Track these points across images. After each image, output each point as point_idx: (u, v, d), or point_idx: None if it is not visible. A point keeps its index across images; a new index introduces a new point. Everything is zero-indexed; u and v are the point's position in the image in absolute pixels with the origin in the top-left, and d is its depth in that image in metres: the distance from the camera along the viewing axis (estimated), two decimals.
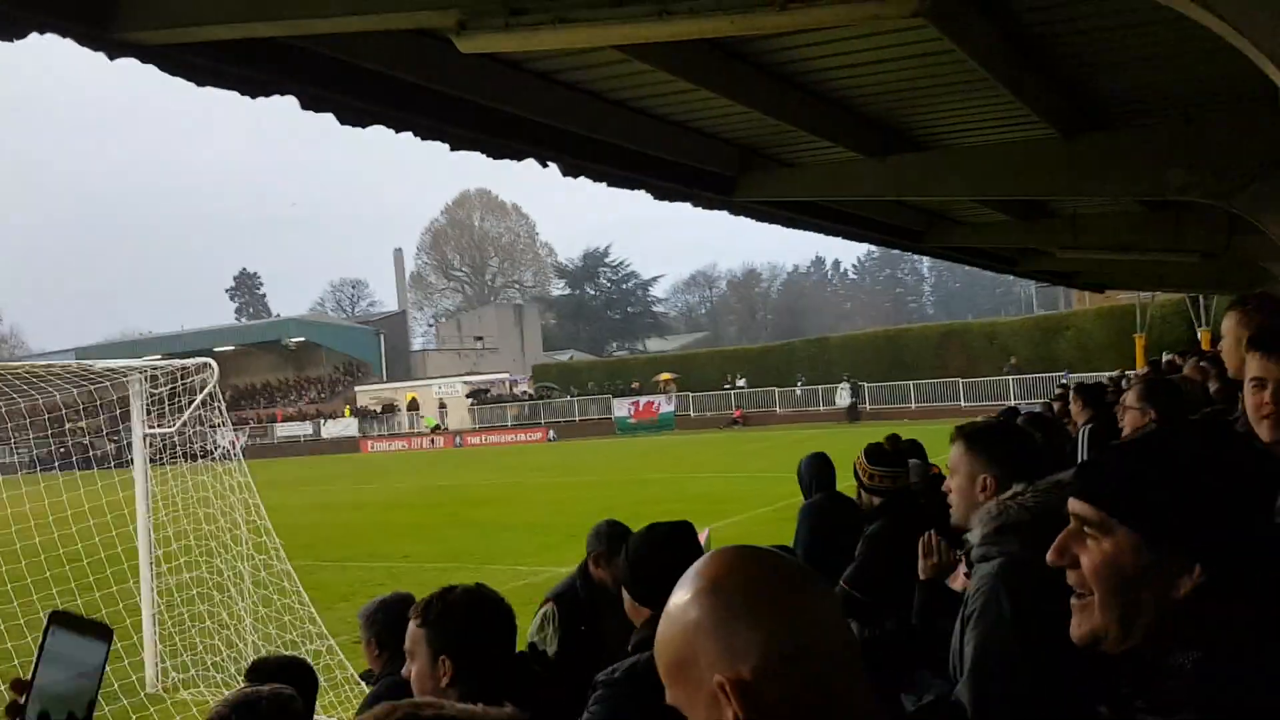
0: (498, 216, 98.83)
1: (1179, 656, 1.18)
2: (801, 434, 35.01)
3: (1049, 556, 1.30)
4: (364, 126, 5.02)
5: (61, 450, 10.82)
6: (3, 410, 9.34)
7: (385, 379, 62.46)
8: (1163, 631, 1.21)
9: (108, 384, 9.34)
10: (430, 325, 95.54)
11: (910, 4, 2.99)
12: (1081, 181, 6.50)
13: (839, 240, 10.41)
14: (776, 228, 9.46)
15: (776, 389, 46.63)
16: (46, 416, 9.92)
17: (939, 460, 6.94)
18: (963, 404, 39.43)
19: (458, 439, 49.30)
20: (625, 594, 2.66)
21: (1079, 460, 6.49)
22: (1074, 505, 1.29)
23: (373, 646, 3.68)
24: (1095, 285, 20.68)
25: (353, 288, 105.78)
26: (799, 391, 46.18)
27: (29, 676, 1.15)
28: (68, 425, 10.88)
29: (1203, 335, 26.98)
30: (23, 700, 1.13)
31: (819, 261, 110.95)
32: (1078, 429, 7.16)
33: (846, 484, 5.64)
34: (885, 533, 4.66)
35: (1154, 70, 5.34)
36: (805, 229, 10.00)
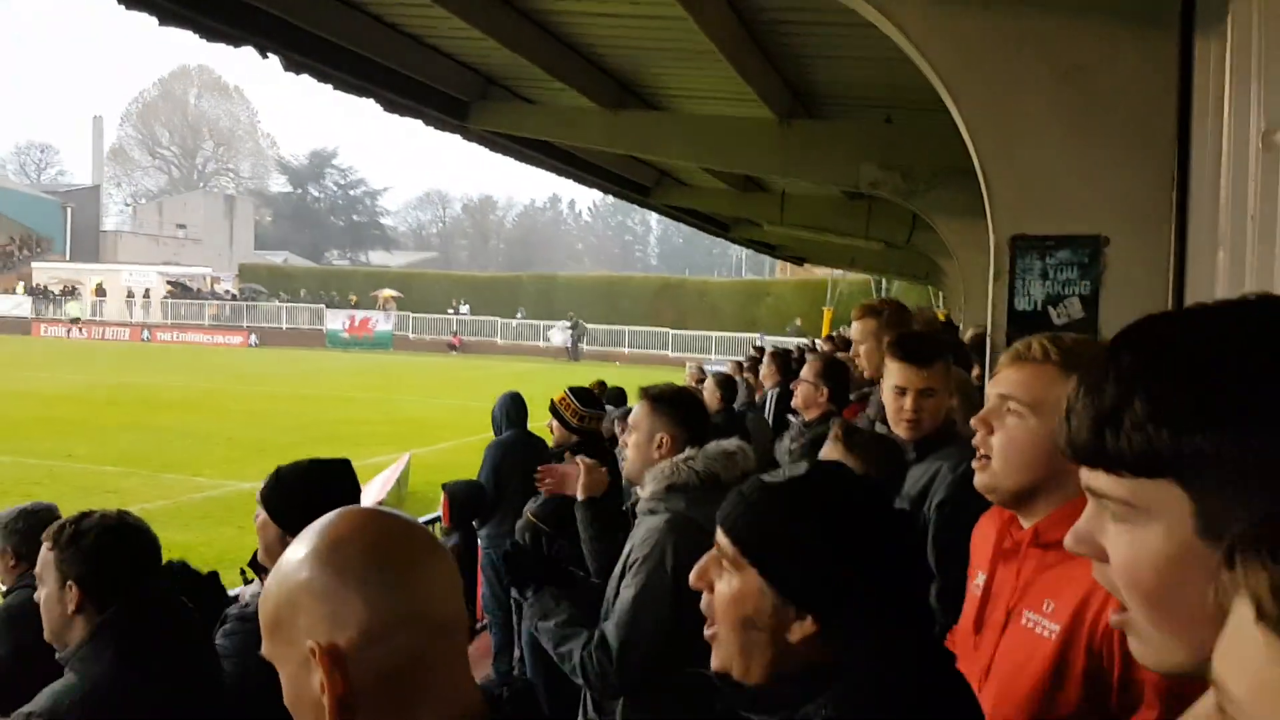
0: (217, 97, 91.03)
1: (812, 710, 1.20)
2: (520, 366, 35.31)
3: (691, 578, 1.33)
4: None
5: None
6: None
7: (69, 258, 56.36)
8: (781, 674, 1.25)
9: None
10: (127, 205, 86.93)
11: None
12: (790, 164, 6.96)
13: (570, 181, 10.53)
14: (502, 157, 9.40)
15: (499, 319, 46.68)
16: None
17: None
18: (670, 353, 41.33)
19: (145, 333, 45.49)
20: (268, 526, 2.54)
21: (768, 417, 7.05)
22: (718, 535, 1.32)
23: (7, 556, 3.40)
24: (795, 258, 22.24)
25: (40, 152, 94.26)
26: (515, 324, 46.49)
27: None
28: None
29: (827, 314, 29.73)
30: None
31: (555, 199, 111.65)
32: (765, 391, 7.78)
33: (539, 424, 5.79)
34: None
35: (862, 70, 5.78)
36: (537, 166, 10.03)
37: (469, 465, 5.56)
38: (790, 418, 5.11)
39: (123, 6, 5.01)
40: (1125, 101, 2.94)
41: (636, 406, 2.89)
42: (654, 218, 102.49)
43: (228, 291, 52.11)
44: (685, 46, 5.55)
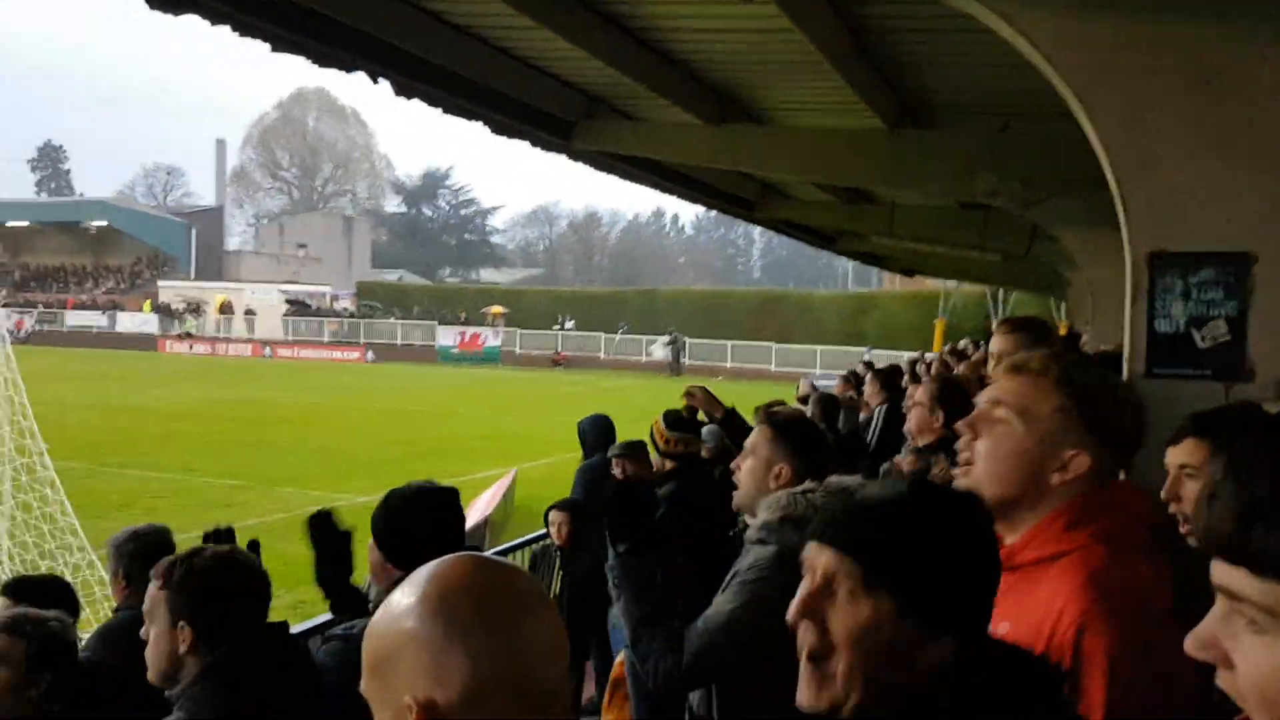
0: (335, 120, 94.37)
1: None
2: (621, 382, 35.47)
3: (791, 612, 1.22)
4: (177, 14, 4.63)
5: None
6: None
7: (193, 277, 59.03)
8: (912, 705, 1.15)
9: None
10: (250, 226, 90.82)
11: None
12: (899, 174, 6.74)
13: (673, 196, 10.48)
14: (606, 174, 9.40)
15: (602, 334, 47.01)
16: None
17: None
18: (773, 368, 40.91)
19: (267, 349, 47.27)
20: (373, 550, 2.60)
21: (872, 437, 6.82)
22: (826, 558, 1.21)
23: (118, 578, 3.46)
24: (905, 269, 21.72)
25: (167, 174, 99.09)
26: (617, 339, 46.73)
27: None
28: None
29: (939, 326, 28.76)
30: None
31: (659, 213, 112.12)
32: (871, 409, 7.54)
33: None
34: (675, 495, 4.76)
35: (977, 76, 5.56)
36: (641, 184, 10.00)
37: (570, 481, 5.52)
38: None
39: (237, 34, 5.15)
40: (1271, 110, 2.71)
41: (755, 431, 2.78)
42: (757, 230, 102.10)
43: (345, 309, 53.79)
44: (790, 58, 5.42)
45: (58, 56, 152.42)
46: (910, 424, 4.30)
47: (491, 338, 47.18)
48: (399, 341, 48.22)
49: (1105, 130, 2.80)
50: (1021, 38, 2.88)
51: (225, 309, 51.75)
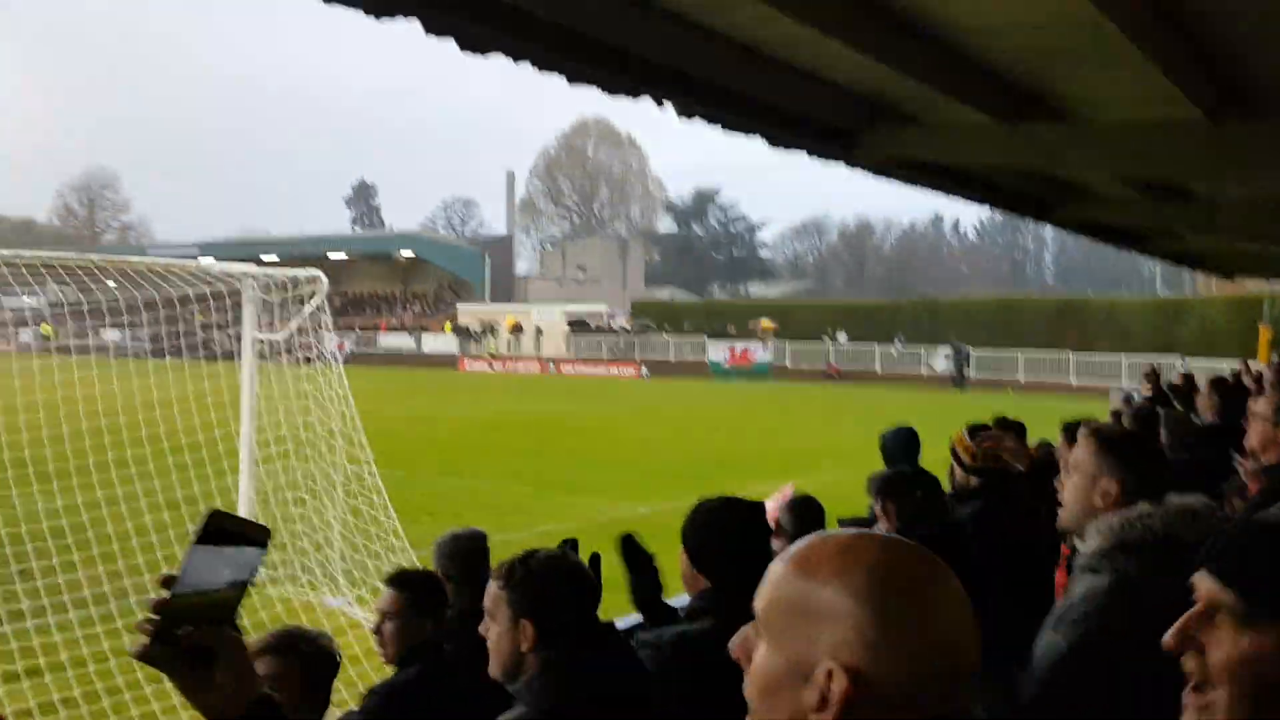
0: (612, 147, 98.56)
1: None
2: (900, 395, 34.44)
3: (1166, 640, 1.16)
4: (484, 54, 4.98)
5: (179, 340, 11.32)
6: (127, 301, 9.80)
7: (488, 300, 63.49)
8: None
9: (222, 285, 9.67)
10: (535, 251, 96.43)
11: None
12: (1225, 168, 6.09)
13: (961, 200, 10.04)
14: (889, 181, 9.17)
15: (877, 346, 45.83)
16: (163, 313, 10.34)
17: (1042, 437, 6.74)
18: (1072, 380, 38.25)
19: (552, 367, 49.96)
20: (684, 560, 2.72)
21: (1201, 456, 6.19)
22: (1208, 586, 1.14)
23: (441, 579, 3.76)
24: (1225, 271, 19.61)
25: (464, 207, 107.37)
26: (895, 353, 45.34)
27: (178, 573, 1.14)
28: (196, 320, 11.33)
29: (1263, 334, 25.40)
30: (169, 596, 1.12)
31: (937, 220, 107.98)
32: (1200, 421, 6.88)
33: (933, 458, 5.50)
34: (983, 514, 4.57)
35: None
36: (925, 188, 9.67)
37: (850, 497, 5.39)
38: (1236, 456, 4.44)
39: (536, 69, 5.49)
40: None
41: (1080, 445, 2.60)
42: (1048, 232, 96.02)
43: (621, 327, 55.89)
44: (1094, 48, 5.04)
45: (367, 99, 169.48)
46: (1252, 439, 3.88)
47: (762, 352, 47.28)
48: (671, 358, 49.43)
49: None
50: None
51: (515, 329, 55.22)
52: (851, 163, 8.15)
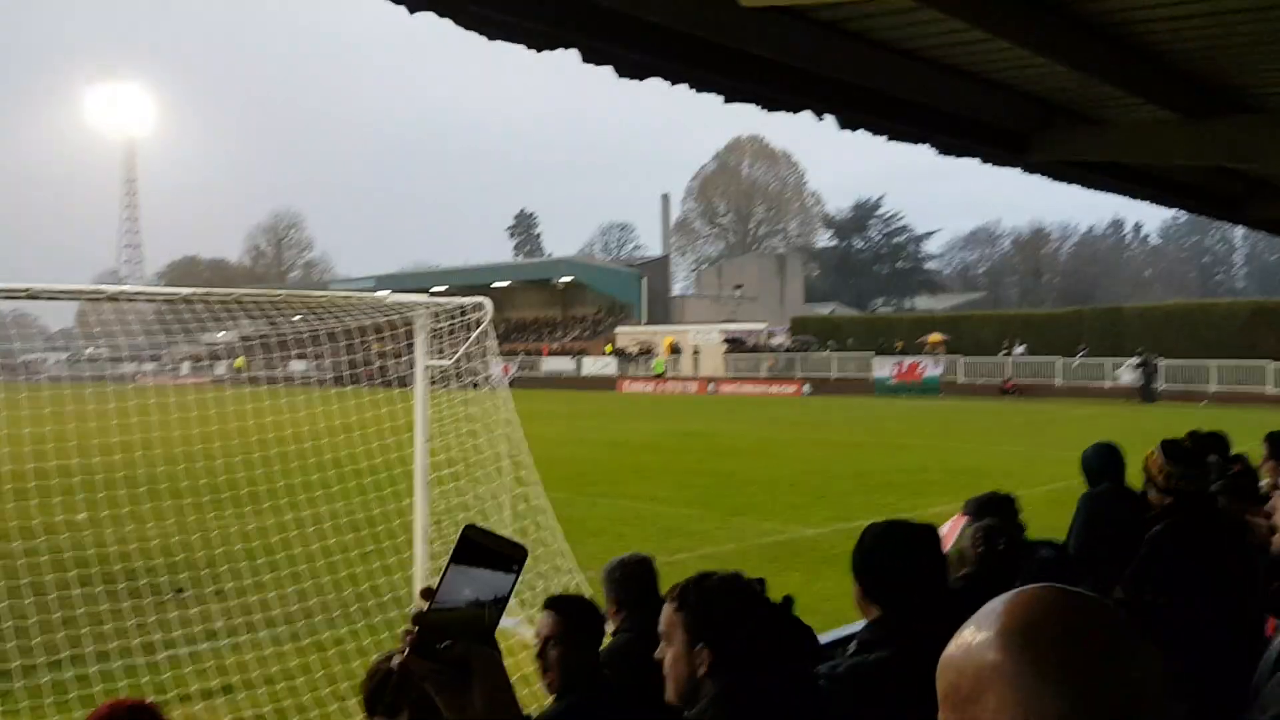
0: (767, 164, 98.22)
1: None
2: (1083, 410, 32.75)
3: None
4: (641, 79, 5.01)
5: (360, 370, 11.93)
6: (311, 333, 10.37)
7: (645, 322, 64.17)
8: None
9: (398, 315, 10.11)
10: (692, 271, 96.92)
11: None
12: None
13: (1143, 202, 9.45)
14: (1066, 184, 8.71)
15: (1059, 359, 43.71)
16: (343, 343, 10.91)
17: (1245, 450, 6.24)
18: (1270, 389, 35.50)
19: (711, 386, 49.91)
20: (855, 587, 2.66)
21: None
22: None
23: (611, 604, 3.78)
24: None
25: (620, 231, 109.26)
26: (1075, 364, 43.11)
27: (435, 587, 1.14)
28: (372, 349, 11.93)
29: None
30: (427, 609, 1.12)
31: (1117, 224, 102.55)
32: None
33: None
34: (1169, 534, 4.30)
35: None
36: (1106, 190, 9.15)
37: (1031, 519, 5.09)
38: None
39: (693, 90, 5.47)
40: None
41: None
42: (1239, 232, 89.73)
43: (780, 344, 55.38)
44: None
45: (526, 130, 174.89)
46: None
47: (931, 367, 45.82)
48: (833, 374, 48.56)
49: None
50: None
51: (673, 349, 55.55)
52: (1026, 167, 7.80)
